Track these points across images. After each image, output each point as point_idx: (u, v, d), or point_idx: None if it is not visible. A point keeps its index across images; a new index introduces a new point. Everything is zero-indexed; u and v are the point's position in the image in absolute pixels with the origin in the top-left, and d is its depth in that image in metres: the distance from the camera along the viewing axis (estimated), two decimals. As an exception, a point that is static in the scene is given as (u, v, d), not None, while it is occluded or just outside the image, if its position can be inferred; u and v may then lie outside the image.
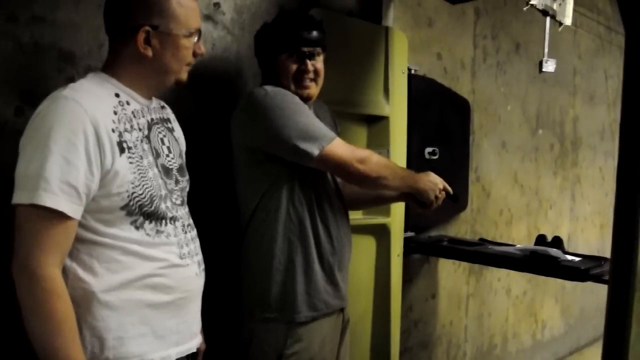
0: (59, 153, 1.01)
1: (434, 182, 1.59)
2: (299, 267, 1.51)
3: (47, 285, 1.00)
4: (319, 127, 1.47)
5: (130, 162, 1.10)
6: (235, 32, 1.77)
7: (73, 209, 1.02)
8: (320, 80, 1.58)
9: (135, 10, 1.13)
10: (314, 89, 1.57)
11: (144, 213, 1.12)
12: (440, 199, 1.61)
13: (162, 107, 1.29)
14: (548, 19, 2.55)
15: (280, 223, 1.50)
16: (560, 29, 2.51)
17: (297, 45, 1.53)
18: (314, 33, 1.54)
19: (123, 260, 1.10)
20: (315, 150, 1.43)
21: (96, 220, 1.08)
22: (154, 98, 1.25)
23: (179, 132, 1.32)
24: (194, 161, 1.45)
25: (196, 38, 1.20)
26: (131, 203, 1.10)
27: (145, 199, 1.12)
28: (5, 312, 1.33)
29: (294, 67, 1.53)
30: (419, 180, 1.57)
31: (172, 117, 1.32)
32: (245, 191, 1.56)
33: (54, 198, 1.00)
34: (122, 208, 1.09)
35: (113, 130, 1.07)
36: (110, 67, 1.16)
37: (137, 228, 1.11)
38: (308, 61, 1.53)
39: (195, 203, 1.32)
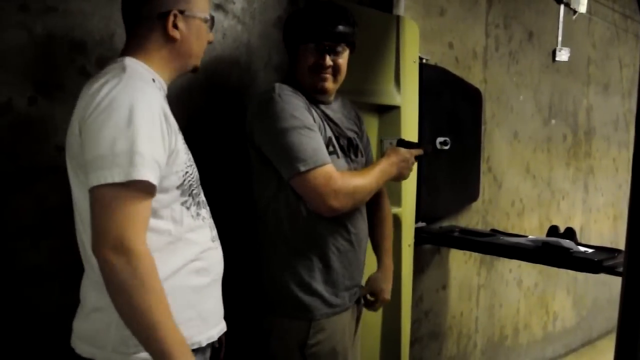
0: (146, 130, 1.01)
1: (404, 159, 1.58)
2: (316, 266, 1.50)
3: (148, 261, 1.00)
4: (304, 149, 1.40)
5: (183, 143, 1.15)
6: (245, 21, 1.76)
7: (157, 184, 1.04)
8: (341, 77, 1.55)
9: None
10: (330, 84, 1.53)
11: (192, 193, 1.16)
12: (414, 164, 1.63)
13: None
14: (562, 6, 2.52)
15: (297, 224, 1.49)
16: (574, 17, 2.48)
17: (319, 38, 1.49)
18: (340, 27, 1.50)
19: (171, 247, 1.11)
20: (287, 173, 1.43)
21: (155, 200, 1.06)
22: None
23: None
24: (204, 151, 1.46)
25: (210, 25, 1.25)
26: (185, 182, 1.13)
27: (194, 178, 1.17)
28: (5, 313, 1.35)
29: (312, 59, 1.50)
30: (392, 169, 1.56)
31: None
32: (258, 186, 1.55)
33: (151, 173, 1.01)
34: (178, 187, 1.12)
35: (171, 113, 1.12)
36: (138, 53, 1.16)
37: (187, 209, 1.14)
38: (327, 56, 1.50)
39: (208, 194, 1.33)
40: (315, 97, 1.55)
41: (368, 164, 1.67)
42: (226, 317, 1.28)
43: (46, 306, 1.37)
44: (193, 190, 1.16)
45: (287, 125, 1.41)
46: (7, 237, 1.33)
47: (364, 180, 1.49)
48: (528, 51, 3.04)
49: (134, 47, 1.18)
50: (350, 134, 1.63)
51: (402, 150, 1.60)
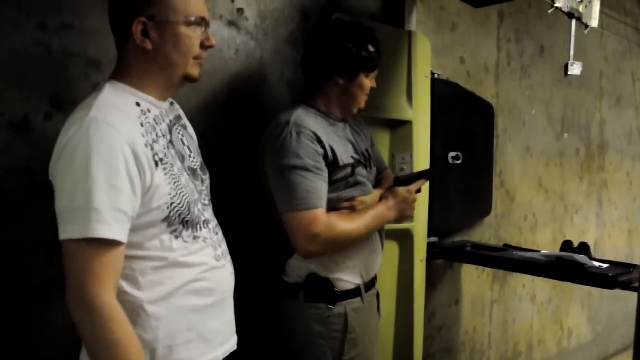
0: (103, 179, 0.98)
1: (402, 199, 1.55)
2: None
3: (106, 313, 0.98)
4: (297, 190, 1.43)
5: (165, 174, 1.08)
6: (258, 37, 1.78)
7: (124, 234, 1.01)
8: None
9: (129, 3, 1.08)
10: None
11: (183, 221, 1.11)
12: (415, 200, 1.60)
13: (172, 104, 1.24)
14: (573, 21, 2.50)
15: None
16: (586, 31, 2.46)
17: (377, 66, 1.60)
18: (379, 52, 1.61)
19: (165, 271, 1.09)
20: (280, 209, 1.47)
21: (138, 235, 1.06)
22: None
23: (190, 128, 1.30)
24: (217, 167, 1.46)
25: (203, 28, 1.12)
26: (171, 214, 1.09)
27: (183, 207, 1.11)
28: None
29: (369, 84, 1.59)
30: (389, 213, 1.55)
31: (182, 112, 1.29)
32: (273, 204, 1.56)
33: (108, 228, 0.98)
34: (163, 220, 1.08)
35: (145, 145, 1.05)
36: (120, 72, 1.12)
37: (176, 237, 1.11)
38: (374, 79, 1.61)
39: (225, 208, 1.33)
40: (338, 115, 1.60)
41: (378, 167, 1.72)
42: (250, 338, 1.27)
43: (59, 321, 1.38)
44: (184, 218, 1.11)
45: (288, 163, 1.43)
46: (22, 251, 1.34)
47: (352, 226, 1.49)
48: (540, 65, 3.03)
49: (118, 66, 1.13)
50: (363, 148, 1.67)
51: (400, 190, 1.57)
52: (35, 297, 1.36)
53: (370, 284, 1.63)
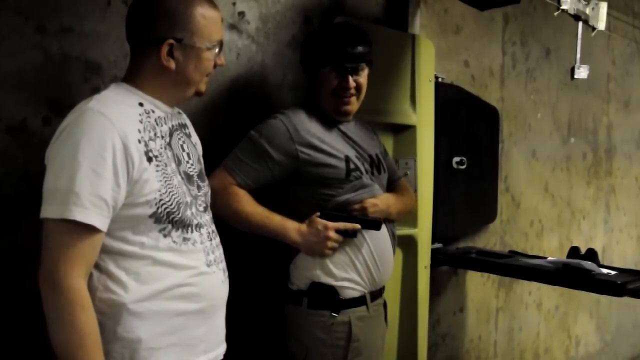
0: (88, 166, 1.02)
1: (314, 232, 1.46)
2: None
3: (71, 296, 1.01)
4: (236, 154, 1.51)
5: (157, 170, 1.11)
6: (260, 41, 1.77)
7: (101, 221, 1.04)
8: (362, 95, 1.58)
9: (159, 22, 1.13)
10: (354, 105, 1.56)
11: (172, 220, 1.12)
12: (335, 240, 1.47)
13: (179, 113, 1.29)
14: (580, 23, 2.49)
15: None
16: (593, 34, 2.45)
17: (340, 60, 1.51)
18: (359, 48, 1.53)
19: (152, 270, 1.10)
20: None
21: (125, 228, 1.08)
22: None
23: (195, 137, 1.33)
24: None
25: (217, 49, 1.20)
26: (159, 210, 1.10)
27: (173, 205, 1.12)
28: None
29: (335, 82, 1.53)
30: (292, 234, 1.47)
31: (188, 122, 1.33)
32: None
33: (84, 212, 1.01)
34: (151, 216, 1.10)
35: (139, 141, 1.08)
36: (132, 78, 1.17)
37: (165, 236, 1.12)
38: (350, 77, 1.52)
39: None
40: (334, 118, 1.58)
41: (391, 176, 1.70)
42: (253, 344, 1.26)
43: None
44: (173, 216, 1.12)
45: (254, 134, 1.50)
46: (20, 257, 1.33)
47: (247, 211, 1.47)
48: (546, 68, 3.00)
49: (130, 71, 1.19)
50: (371, 151, 1.64)
51: (317, 221, 1.48)
52: (34, 302, 1.34)
53: (377, 293, 1.61)
